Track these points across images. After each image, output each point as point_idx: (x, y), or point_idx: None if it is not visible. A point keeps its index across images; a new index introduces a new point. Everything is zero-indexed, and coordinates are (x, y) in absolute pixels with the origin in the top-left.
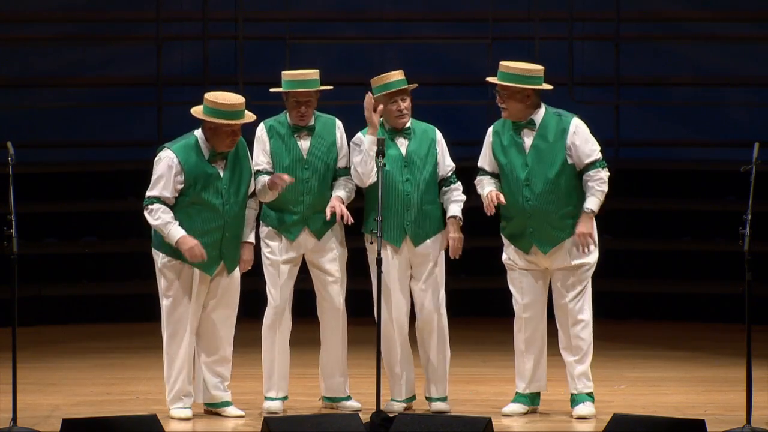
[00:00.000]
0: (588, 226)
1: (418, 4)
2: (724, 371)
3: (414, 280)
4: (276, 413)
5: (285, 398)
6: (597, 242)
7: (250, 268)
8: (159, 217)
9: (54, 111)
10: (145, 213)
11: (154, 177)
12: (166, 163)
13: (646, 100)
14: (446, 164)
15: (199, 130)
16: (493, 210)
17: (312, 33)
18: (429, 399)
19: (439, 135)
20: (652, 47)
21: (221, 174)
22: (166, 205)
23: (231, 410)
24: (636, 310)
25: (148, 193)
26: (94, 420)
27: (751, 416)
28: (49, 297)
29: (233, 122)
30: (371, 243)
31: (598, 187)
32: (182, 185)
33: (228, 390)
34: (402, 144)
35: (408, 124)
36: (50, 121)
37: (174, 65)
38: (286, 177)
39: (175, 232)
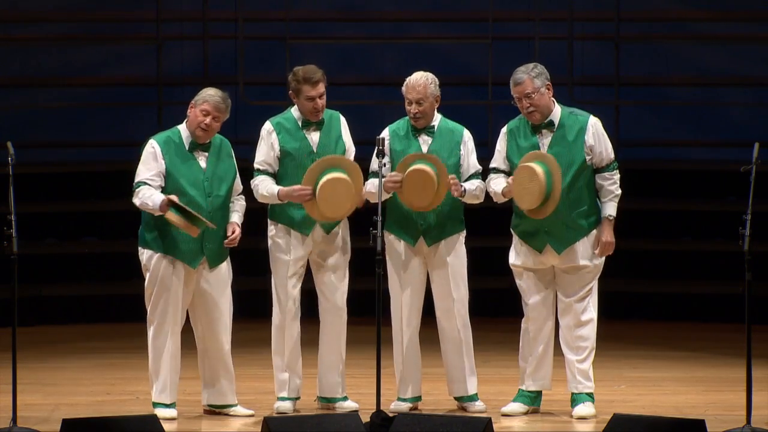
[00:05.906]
0: (611, 234)
1: (418, 4)
2: (724, 371)
3: (431, 279)
4: (286, 413)
5: (297, 398)
6: None
7: (235, 245)
8: (141, 195)
9: (54, 111)
10: (133, 200)
11: (138, 167)
12: (147, 150)
13: (646, 100)
14: (470, 166)
15: (184, 123)
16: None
17: (312, 33)
18: (459, 399)
19: (466, 136)
20: (652, 47)
21: (203, 166)
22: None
23: (238, 410)
24: (636, 310)
25: (135, 180)
26: (94, 420)
27: (751, 416)
28: (49, 297)
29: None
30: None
31: (614, 192)
32: (164, 171)
33: (233, 390)
34: (424, 142)
35: (433, 122)
36: (50, 121)
37: (174, 65)
38: (305, 191)
39: (157, 197)
